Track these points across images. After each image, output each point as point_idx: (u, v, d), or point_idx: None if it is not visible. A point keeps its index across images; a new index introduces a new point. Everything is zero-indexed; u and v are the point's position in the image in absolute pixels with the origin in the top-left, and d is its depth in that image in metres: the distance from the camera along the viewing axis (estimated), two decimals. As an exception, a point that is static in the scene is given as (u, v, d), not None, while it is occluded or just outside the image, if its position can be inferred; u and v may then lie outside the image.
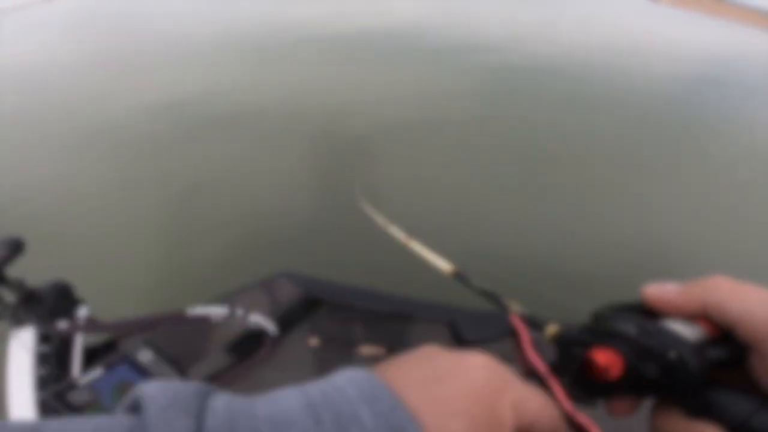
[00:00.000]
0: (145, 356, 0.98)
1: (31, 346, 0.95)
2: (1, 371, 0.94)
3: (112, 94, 3.97)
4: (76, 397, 0.90)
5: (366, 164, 3.05)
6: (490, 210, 2.70)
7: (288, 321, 1.20)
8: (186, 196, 2.74)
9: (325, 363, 1.14)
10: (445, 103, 3.97)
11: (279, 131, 3.43)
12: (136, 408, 0.23)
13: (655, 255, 2.48)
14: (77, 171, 2.97)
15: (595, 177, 3.11)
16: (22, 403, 0.88)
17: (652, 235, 2.62)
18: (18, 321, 0.97)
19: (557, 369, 0.29)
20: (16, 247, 0.91)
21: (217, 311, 1.09)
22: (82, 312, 1.05)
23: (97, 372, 0.94)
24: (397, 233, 0.47)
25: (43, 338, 0.98)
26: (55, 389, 0.90)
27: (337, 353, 1.17)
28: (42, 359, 0.95)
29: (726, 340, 0.26)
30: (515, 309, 0.34)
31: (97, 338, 1.12)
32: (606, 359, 0.26)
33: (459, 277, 0.38)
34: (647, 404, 0.29)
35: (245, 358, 1.12)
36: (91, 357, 1.04)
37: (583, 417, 0.27)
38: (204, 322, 1.07)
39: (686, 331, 0.26)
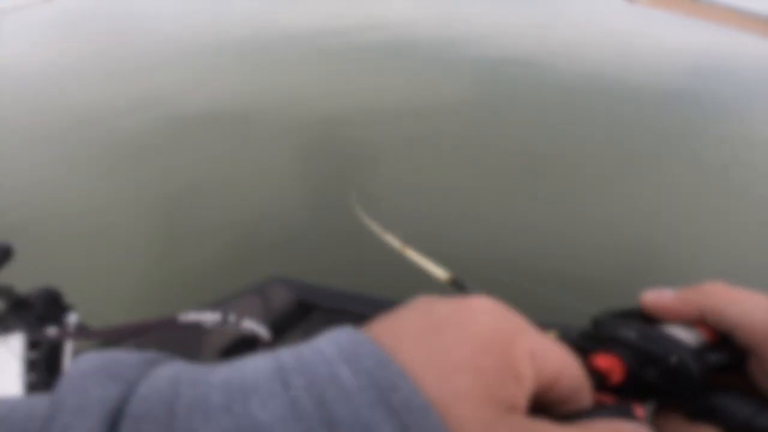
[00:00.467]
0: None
1: (20, 353, 0.94)
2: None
3: (105, 97, 3.95)
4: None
5: (360, 169, 3.05)
6: (485, 213, 2.71)
7: (281, 326, 1.19)
8: (178, 200, 2.72)
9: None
10: (438, 106, 3.99)
11: (272, 135, 3.42)
12: None
13: (649, 256, 2.51)
14: (67, 175, 2.94)
15: (589, 179, 3.14)
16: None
17: (648, 236, 2.65)
18: (7, 327, 0.95)
19: None
20: (4, 254, 0.90)
21: (209, 317, 1.07)
22: (72, 318, 1.04)
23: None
24: (393, 241, 0.47)
25: (33, 345, 0.96)
26: (44, 397, 0.88)
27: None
28: (31, 366, 0.93)
29: (725, 344, 0.26)
30: None
31: (87, 345, 1.11)
32: (607, 364, 0.27)
33: (455, 284, 0.38)
34: (649, 408, 0.29)
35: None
36: (81, 364, 1.02)
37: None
38: (196, 328, 1.06)
39: (686, 335, 0.27)
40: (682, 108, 4.49)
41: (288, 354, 0.20)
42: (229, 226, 2.52)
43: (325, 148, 3.32)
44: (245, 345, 1.12)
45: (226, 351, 1.14)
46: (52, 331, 0.97)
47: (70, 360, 1.00)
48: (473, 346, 0.20)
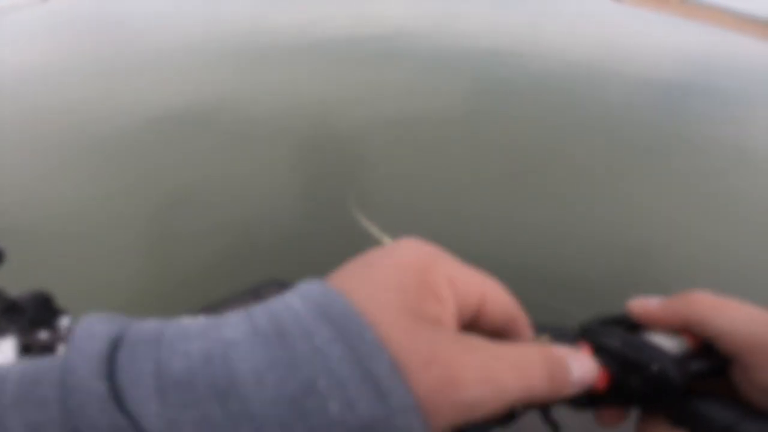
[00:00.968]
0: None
1: (11, 357, 0.93)
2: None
3: (98, 98, 3.92)
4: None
5: (356, 170, 3.05)
6: (483, 214, 2.72)
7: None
8: (173, 203, 2.71)
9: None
10: (433, 107, 4.00)
11: (266, 136, 3.42)
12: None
13: (648, 256, 2.53)
14: (59, 176, 2.92)
15: (586, 179, 3.16)
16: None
17: (646, 236, 2.67)
18: (-2, 331, 0.95)
19: None
20: (-4, 257, 0.90)
21: (203, 320, 1.07)
22: (64, 322, 1.03)
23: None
24: (390, 242, 0.47)
25: (24, 349, 0.96)
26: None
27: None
28: (22, 371, 0.92)
29: (708, 351, 0.27)
30: None
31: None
32: None
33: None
34: (634, 413, 0.30)
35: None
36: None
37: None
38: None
39: (669, 343, 0.27)
40: (674, 110, 4.53)
41: (257, 307, 0.24)
42: (224, 228, 2.52)
43: (321, 148, 3.32)
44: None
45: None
46: (44, 334, 0.97)
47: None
48: (396, 270, 0.24)
